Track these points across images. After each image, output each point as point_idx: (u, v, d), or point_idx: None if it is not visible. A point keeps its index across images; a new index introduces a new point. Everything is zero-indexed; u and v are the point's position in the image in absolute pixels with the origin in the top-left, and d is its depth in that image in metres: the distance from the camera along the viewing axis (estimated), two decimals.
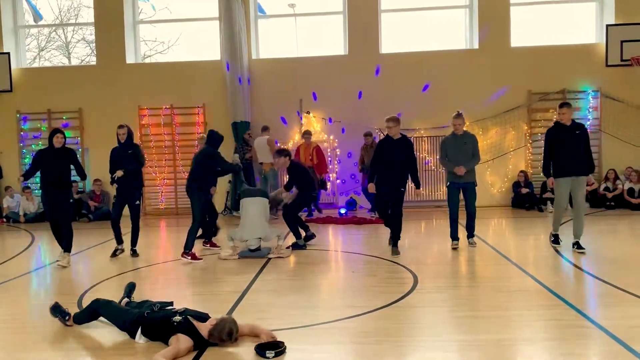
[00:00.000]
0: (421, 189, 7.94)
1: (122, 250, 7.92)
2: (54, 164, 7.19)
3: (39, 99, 13.24)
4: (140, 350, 4.14)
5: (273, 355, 3.91)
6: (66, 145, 7.36)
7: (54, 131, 7.28)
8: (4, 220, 12.47)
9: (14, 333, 4.73)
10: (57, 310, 4.79)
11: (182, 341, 4.01)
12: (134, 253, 7.90)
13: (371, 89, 12.62)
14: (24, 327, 4.91)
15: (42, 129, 13.37)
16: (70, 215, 7.55)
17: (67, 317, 4.73)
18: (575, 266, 6.52)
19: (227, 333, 4.02)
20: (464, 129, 7.80)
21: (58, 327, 4.72)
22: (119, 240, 7.89)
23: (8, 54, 13.17)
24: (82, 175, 7.67)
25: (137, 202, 7.85)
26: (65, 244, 7.34)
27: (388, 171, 7.38)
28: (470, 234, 7.82)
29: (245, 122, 12.60)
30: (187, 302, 4.56)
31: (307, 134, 11.64)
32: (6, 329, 4.86)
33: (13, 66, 13.26)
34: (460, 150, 7.59)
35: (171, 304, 4.56)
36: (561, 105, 7.28)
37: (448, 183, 7.79)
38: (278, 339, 4.13)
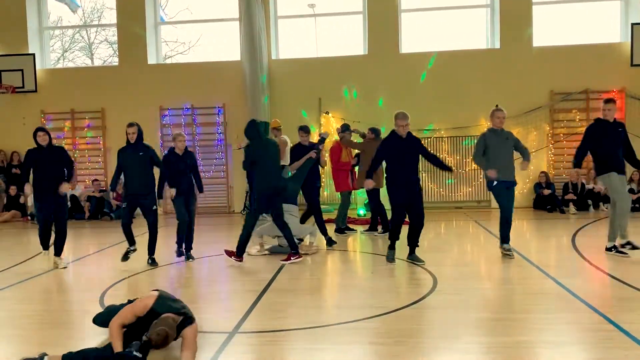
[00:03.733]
0: (454, 170, 7.25)
1: (135, 250, 7.34)
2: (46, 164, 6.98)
3: (62, 99, 13.47)
4: None
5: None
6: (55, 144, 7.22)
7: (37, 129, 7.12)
8: (29, 218, 12.70)
9: (41, 329, 4.80)
10: None
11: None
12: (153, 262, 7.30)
13: (390, 89, 12.58)
14: (49, 322, 4.98)
15: (66, 128, 13.61)
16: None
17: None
18: (598, 269, 6.42)
19: (162, 338, 3.63)
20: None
21: (84, 322, 4.78)
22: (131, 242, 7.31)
23: (33, 55, 13.43)
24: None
25: (154, 207, 7.27)
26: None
27: (403, 174, 6.80)
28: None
29: (265, 122, 12.61)
30: (205, 301, 4.57)
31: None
32: (32, 324, 4.94)
33: (38, 67, 13.51)
34: (502, 146, 7.02)
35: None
36: (607, 101, 7.08)
37: (494, 183, 7.11)
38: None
